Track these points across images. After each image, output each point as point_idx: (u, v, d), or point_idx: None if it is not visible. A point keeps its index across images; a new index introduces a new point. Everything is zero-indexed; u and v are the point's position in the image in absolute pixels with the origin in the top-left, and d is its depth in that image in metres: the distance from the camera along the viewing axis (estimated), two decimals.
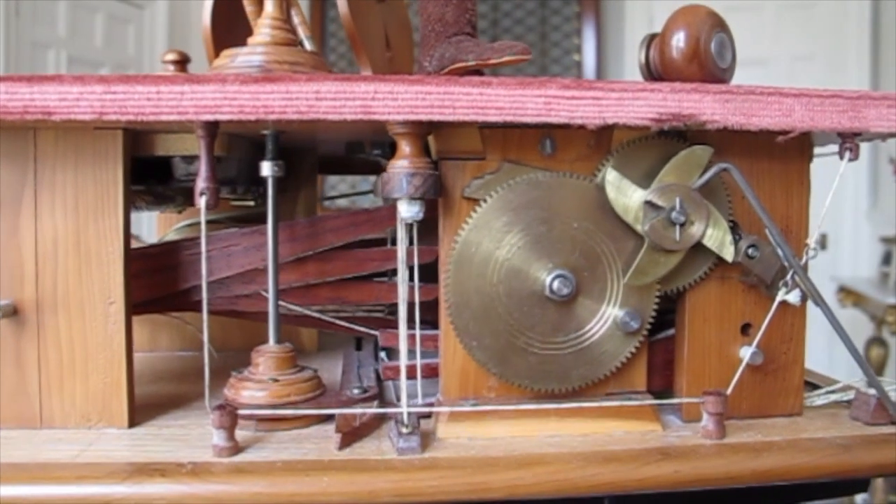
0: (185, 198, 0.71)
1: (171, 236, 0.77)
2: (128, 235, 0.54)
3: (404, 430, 0.50)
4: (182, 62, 0.74)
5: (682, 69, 0.55)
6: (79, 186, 0.53)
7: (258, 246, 0.60)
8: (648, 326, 0.54)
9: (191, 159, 0.59)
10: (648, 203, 0.51)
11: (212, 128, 0.50)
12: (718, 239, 0.53)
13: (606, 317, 0.53)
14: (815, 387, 0.62)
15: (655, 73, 0.58)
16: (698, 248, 0.53)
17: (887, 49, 2.16)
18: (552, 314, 0.52)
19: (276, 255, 0.56)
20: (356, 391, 0.59)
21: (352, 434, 0.53)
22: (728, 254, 0.53)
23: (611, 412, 0.54)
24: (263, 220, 0.78)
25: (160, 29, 2.64)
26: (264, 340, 0.59)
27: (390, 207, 0.60)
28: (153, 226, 0.87)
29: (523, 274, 0.52)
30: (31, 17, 2.29)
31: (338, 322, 0.64)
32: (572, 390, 0.53)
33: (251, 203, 0.77)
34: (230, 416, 0.49)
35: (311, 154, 0.74)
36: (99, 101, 0.46)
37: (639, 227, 0.52)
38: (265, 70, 0.52)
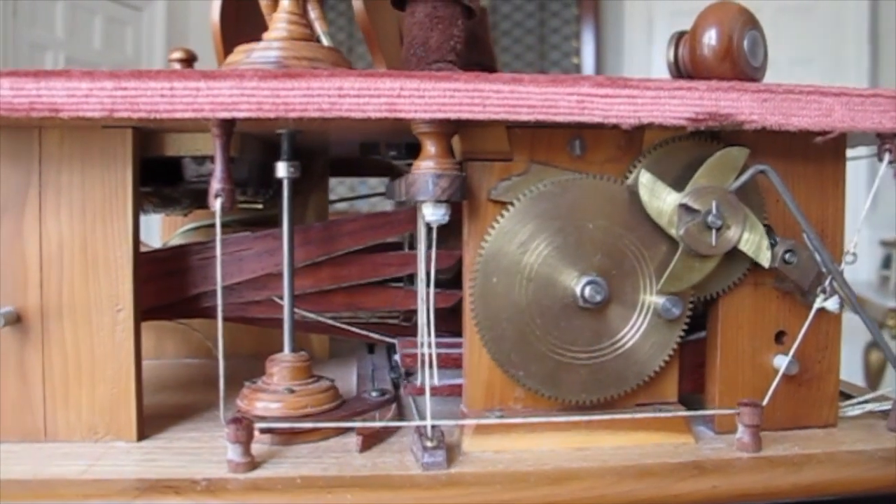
0: (191, 200, 0.69)
1: (177, 240, 0.74)
2: (137, 239, 0.51)
3: (429, 445, 0.47)
4: (189, 60, 0.71)
5: (714, 68, 0.52)
6: (86, 188, 0.50)
7: (271, 250, 0.57)
8: (681, 334, 0.51)
9: (202, 160, 0.56)
10: (683, 206, 0.49)
11: (228, 126, 0.47)
12: (755, 244, 0.50)
13: (640, 323, 0.50)
14: (846, 396, 0.60)
15: (684, 71, 0.56)
16: (733, 253, 0.50)
17: (886, 53, 2.15)
18: (584, 322, 0.49)
19: (291, 259, 0.53)
20: (374, 394, 0.56)
21: (373, 437, 0.50)
22: (765, 259, 0.50)
23: (641, 424, 0.51)
24: (272, 224, 0.76)
25: (158, 31, 2.61)
26: (273, 347, 0.56)
27: (409, 210, 0.58)
28: (153, 229, 0.84)
29: (553, 280, 0.49)
30: (29, 19, 2.26)
31: (353, 329, 0.61)
32: (603, 401, 0.51)
33: (259, 206, 0.74)
34: (247, 429, 0.46)
35: (323, 156, 0.72)
36: (109, 97, 0.44)
37: (673, 232, 0.49)
38: (282, 66, 0.49)
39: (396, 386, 0.62)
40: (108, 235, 0.50)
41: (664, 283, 0.50)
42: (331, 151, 0.72)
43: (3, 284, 0.50)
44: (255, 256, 0.57)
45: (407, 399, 0.60)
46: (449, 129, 0.47)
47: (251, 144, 0.58)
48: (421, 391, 0.55)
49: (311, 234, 0.58)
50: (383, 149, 0.62)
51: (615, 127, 0.48)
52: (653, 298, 0.50)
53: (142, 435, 0.51)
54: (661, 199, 0.49)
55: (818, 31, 2.19)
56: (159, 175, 0.58)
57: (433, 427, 0.48)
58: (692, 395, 0.55)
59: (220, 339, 0.47)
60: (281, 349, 0.55)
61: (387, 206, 0.73)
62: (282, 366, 0.53)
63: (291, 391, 0.51)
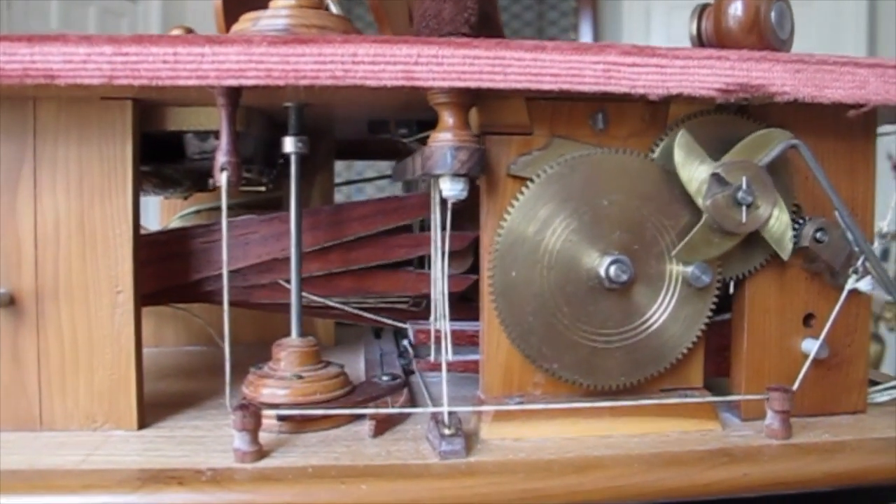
0: (192, 182, 0.66)
1: (176, 224, 0.71)
2: (137, 217, 0.48)
3: (447, 432, 0.44)
4: None
5: (741, 40, 0.50)
6: (83, 163, 0.47)
7: (277, 235, 0.54)
8: (708, 316, 0.48)
9: (205, 135, 0.53)
10: (715, 176, 0.46)
11: (234, 95, 0.44)
12: (780, 229, 0.48)
13: (669, 296, 0.47)
14: (872, 382, 0.57)
15: (708, 45, 0.53)
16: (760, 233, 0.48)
17: (884, 48, 2.13)
18: (612, 303, 0.47)
19: (299, 241, 0.50)
20: (385, 378, 0.54)
21: (385, 422, 0.48)
22: (786, 248, 0.48)
23: (666, 410, 0.48)
24: (276, 207, 0.73)
25: (154, 23, 2.56)
26: (277, 333, 0.53)
27: (422, 195, 0.55)
28: (151, 212, 0.81)
29: (575, 263, 0.46)
30: (23, 10, 2.21)
31: (362, 314, 0.58)
32: (628, 385, 0.48)
33: (262, 189, 0.71)
34: (254, 417, 0.43)
35: (328, 137, 0.69)
36: (108, 63, 0.41)
37: (700, 201, 0.46)
38: (291, 34, 0.46)
39: (406, 371, 0.60)
40: (106, 213, 0.47)
41: (680, 250, 0.47)
42: (336, 132, 0.69)
43: None
44: (261, 240, 0.54)
45: (418, 383, 0.58)
46: (467, 99, 0.44)
47: (256, 119, 0.55)
48: (434, 367, 0.52)
49: (319, 219, 0.55)
50: (393, 127, 0.59)
51: (641, 99, 0.45)
52: (680, 268, 0.47)
53: (142, 423, 0.48)
54: (694, 165, 0.46)
55: (816, 26, 2.17)
56: (160, 152, 0.54)
57: (450, 414, 0.45)
58: (714, 380, 0.53)
59: (226, 324, 0.44)
60: (285, 335, 0.52)
61: (394, 189, 0.70)
62: (289, 351, 0.50)
63: (300, 377, 0.48)
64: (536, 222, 0.46)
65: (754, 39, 0.50)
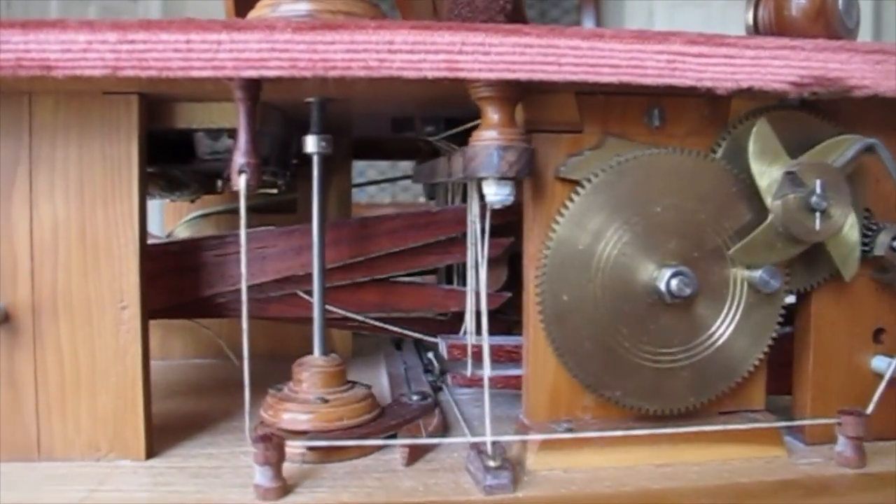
0: (200, 184, 0.60)
1: (182, 230, 0.66)
2: (144, 225, 0.43)
3: (491, 464, 0.39)
4: None
5: (806, 29, 0.45)
6: (84, 164, 0.42)
7: (297, 249, 0.49)
8: (777, 325, 0.43)
9: (217, 134, 0.48)
10: (789, 176, 0.41)
11: (254, 89, 0.39)
12: (851, 242, 0.43)
13: (735, 304, 0.42)
14: None
15: (767, 35, 0.48)
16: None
17: (888, 21, 2.09)
18: (674, 318, 0.41)
19: (322, 251, 0.45)
20: (415, 398, 0.48)
21: (419, 448, 0.43)
22: (851, 267, 0.43)
23: (727, 435, 0.43)
24: (288, 210, 0.68)
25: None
26: (290, 345, 0.49)
27: (457, 209, 0.50)
28: (155, 216, 0.76)
29: (631, 274, 0.41)
30: (23, 8, 2.15)
31: (387, 326, 0.53)
32: (698, 406, 0.43)
33: (274, 191, 0.66)
34: (277, 449, 0.38)
35: (345, 135, 0.63)
36: (112, 52, 0.35)
37: (769, 200, 0.41)
38: (316, 20, 0.41)
39: (435, 387, 0.55)
40: (110, 220, 0.42)
41: (738, 249, 0.42)
42: (355, 130, 0.64)
43: None
44: (280, 255, 0.49)
45: (448, 401, 0.53)
46: (515, 93, 0.39)
47: (272, 116, 0.49)
48: (470, 382, 0.47)
49: (343, 232, 0.50)
50: (418, 125, 0.54)
51: (704, 93, 0.40)
52: (746, 274, 0.42)
53: (151, 452, 0.43)
54: (768, 160, 0.41)
55: None
56: (167, 152, 0.49)
57: (494, 443, 0.40)
58: (770, 398, 0.48)
59: (244, 346, 0.39)
60: (300, 347, 0.47)
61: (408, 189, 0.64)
62: (312, 371, 0.44)
63: (325, 400, 0.43)
64: (588, 234, 0.41)
65: (820, 29, 0.45)
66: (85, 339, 0.42)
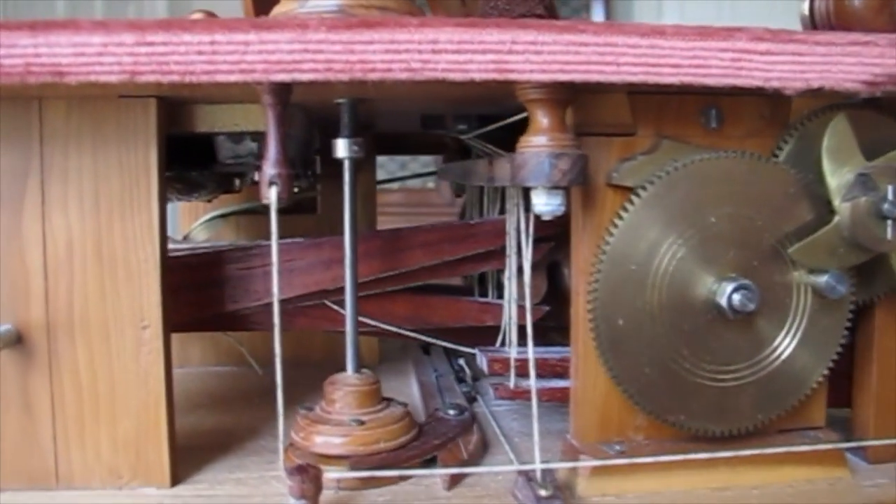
0: (217, 184, 0.57)
1: (199, 232, 0.62)
2: (164, 237, 0.40)
3: (543, 493, 0.36)
4: None
5: (868, 22, 0.41)
6: (99, 174, 0.38)
7: (327, 262, 0.45)
8: (845, 332, 0.40)
9: (238, 137, 0.44)
10: (862, 178, 0.37)
11: (284, 93, 0.35)
12: None
13: (800, 312, 0.39)
14: None
15: (822, 29, 0.44)
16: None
17: None
18: (737, 333, 0.38)
19: (354, 261, 0.42)
20: (452, 412, 0.45)
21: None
22: None
23: (787, 456, 0.40)
24: (308, 210, 0.64)
25: (161, 16, 2.44)
26: (312, 352, 0.46)
27: (496, 222, 0.47)
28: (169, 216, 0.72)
29: (689, 290, 0.38)
30: (27, 7, 2.10)
31: (419, 336, 0.50)
32: (750, 429, 0.40)
33: (294, 190, 0.62)
34: (314, 482, 0.35)
35: (368, 131, 0.60)
36: (130, 55, 0.32)
37: (836, 201, 0.38)
38: (347, 16, 0.37)
39: (469, 398, 0.52)
40: (128, 233, 0.39)
41: (798, 248, 0.38)
42: (379, 126, 0.60)
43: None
44: (308, 268, 0.45)
45: (484, 414, 0.50)
46: (567, 94, 0.35)
47: (296, 115, 0.46)
48: (514, 395, 0.44)
49: (375, 244, 0.46)
50: (450, 122, 0.50)
51: (762, 92, 0.36)
52: (810, 279, 0.39)
53: (176, 479, 0.40)
54: (842, 160, 0.38)
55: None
56: (185, 156, 0.46)
57: (544, 470, 0.37)
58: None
59: (278, 370, 0.36)
60: (323, 354, 0.44)
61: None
62: (346, 390, 0.41)
63: (360, 422, 0.40)
64: (643, 247, 0.37)
65: (884, 21, 0.41)
66: (104, 362, 0.39)
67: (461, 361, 0.57)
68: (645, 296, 0.37)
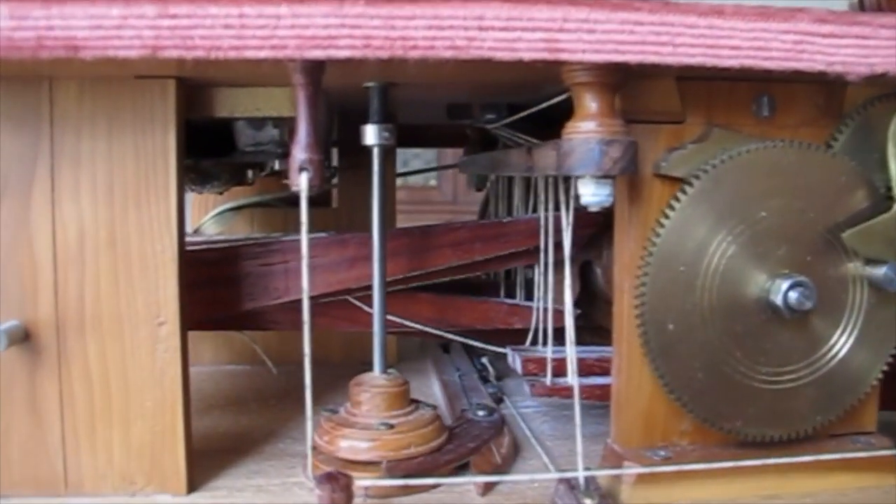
0: (230, 175, 0.54)
1: (210, 225, 0.59)
2: (182, 228, 0.37)
3: (588, 503, 0.33)
4: None
5: None
6: (113, 159, 0.36)
7: (351, 260, 0.43)
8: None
9: (260, 123, 0.42)
10: None
11: (317, 72, 0.32)
12: None
13: (855, 317, 0.37)
14: None
15: (871, 11, 0.42)
16: None
17: None
18: (787, 333, 0.36)
19: (382, 256, 0.39)
20: (480, 413, 0.43)
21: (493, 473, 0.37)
22: None
23: (837, 461, 0.38)
24: (322, 203, 0.61)
25: None
26: (330, 350, 0.43)
27: (530, 221, 0.44)
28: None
29: (740, 289, 0.35)
30: None
31: (445, 334, 0.47)
32: (809, 432, 0.37)
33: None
34: (345, 491, 0.32)
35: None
36: (151, 28, 0.29)
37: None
38: None
39: (496, 398, 0.49)
40: (144, 223, 0.36)
41: (853, 234, 0.36)
42: (399, 116, 0.58)
43: (4, 291, 0.35)
44: (331, 266, 0.43)
45: (512, 415, 0.47)
46: (618, 78, 0.33)
47: (322, 100, 0.43)
48: (551, 392, 0.42)
49: (402, 243, 0.44)
50: (477, 112, 0.48)
51: (818, 79, 0.33)
52: (868, 271, 0.36)
53: (192, 485, 0.37)
54: None
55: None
56: (202, 143, 0.43)
57: (586, 479, 0.34)
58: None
59: (307, 372, 0.33)
60: (341, 353, 0.41)
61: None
62: (373, 392, 0.39)
63: (390, 426, 0.37)
64: (693, 244, 0.35)
65: None
66: (117, 360, 0.36)
67: (483, 360, 0.55)
68: (695, 296, 0.35)
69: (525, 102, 0.46)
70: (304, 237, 0.32)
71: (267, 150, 0.42)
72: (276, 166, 0.47)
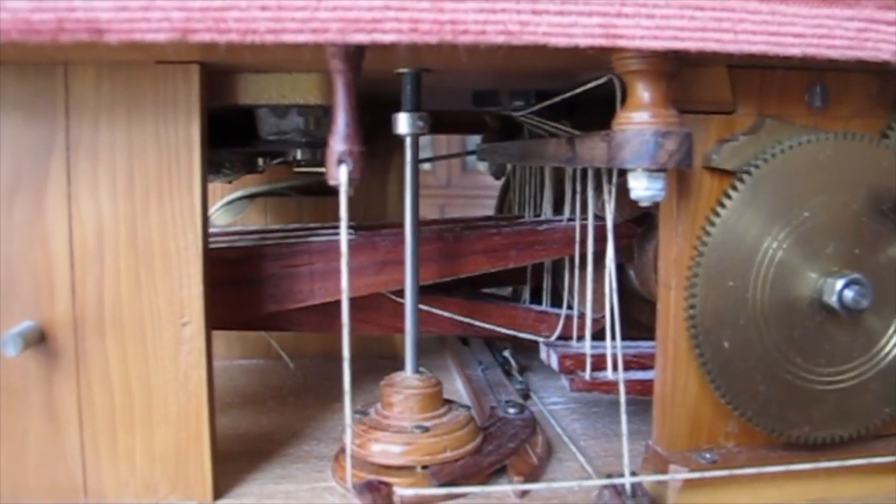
0: (241, 164, 0.52)
1: (220, 215, 0.57)
2: (206, 223, 0.35)
3: None
4: None
5: None
6: (134, 150, 0.33)
7: (380, 264, 0.41)
8: None
9: (283, 111, 0.39)
10: None
11: (357, 58, 0.30)
12: None
13: None
14: None
15: None
16: None
17: None
18: (845, 332, 0.34)
19: (415, 253, 0.37)
20: (511, 411, 0.41)
21: (532, 475, 0.36)
22: None
23: (884, 465, 0.36)
24: (332, 191, 0.59)
25: None
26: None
27: (566, 228, 0.42)
28: None
29: (794, 290, 0.34)
30: None
31: (477, 322, 0.45)
32: (878, 425, 0.36)
33: (323, 170, 0.57)
34: (385, 500, 0.30)
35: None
36: (181, 10, 0.26)
37: None
38: None
39: (523, 394, 0.47)
40: (166, 218, 0.34)
41: None
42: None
43: (18, 291, 0.33)
44: (359, 270, 0.41)
45: (541, 412, 0.45)
46: (673, 66, 0.31)
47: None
48: (591, 386, 0.40)
49: (434, 248, 0.42)
50: (505, 99, 0.45)
51: (870, 68, 0.32)
52: None
53: (218, 492, 0.35)
54: None
55: None
56: (219, 132, 0.40)
57: (633, 485, 0.33)
58: None
59: (346, 377, 0.31)
60: (356, 348, 0.39)
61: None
62: (406, 394, 0.37)
63: (425, 429, 0.35)
64: (745, 245, 0.33)
65: None
66: (138, 362, 0.34)
67: (506, 353, 0.53)
68: (747, 309, 0.33)
69: (555, 89, 0.44)
70: (343, 235, 0.30)
71: (290, 139, 0.40)
72: (299, 156, 0.44)
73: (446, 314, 0.44)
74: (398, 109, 0.49)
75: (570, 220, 0.43)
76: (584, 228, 0.41)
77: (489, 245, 0.42)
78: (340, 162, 0.30)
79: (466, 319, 0.44)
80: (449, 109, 0.58)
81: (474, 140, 0.70)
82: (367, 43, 0.27)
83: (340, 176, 0.30)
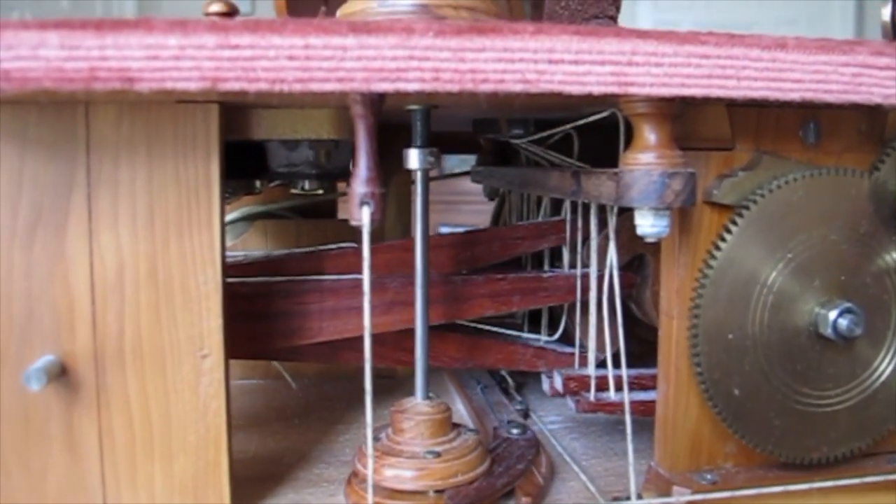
0: (238, 185, 0.53)
1: None
2: (224, 258, 0.36)
3: None
4: (231, 14, 0.54)
5: None
6: (154, 187, 0.34)
7: (388, 305, 0.42)
8: None
9: (294, 144, 0.41)
10: None
11: (378, 103, 0.32)
12: None
13: (894, 349, 0.38)
14: None
15: None
16: None
17: (872, 14, 2.07)
18: (843, 357, 0.36)
19: (426, 280, 0.38)
20: (515, 431, 0.43)
21: (539, 496, 0.38)
22: None
23: (880, 483, 0.39)
24: (328, 214, 0.60)
25: (129, 15, 2.30)
26: (346, 365, 0.42)
27: (570, 276, 0.45)
28: None
29: (792, 320, 0.36)
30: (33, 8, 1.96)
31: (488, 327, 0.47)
32: (847, 455, 0.38)
33: (320, 192, 0.58)
34: None
35: (405, 130, 0.56)
36: (211, 59, 0.28)
37: None
38: (434, 16, 0.33)
39: (523, 414, 0.49)
40: (186, 253, 0.35)
41: None
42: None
43: (40, 325, 0.34)
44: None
45: (542, 432, 0.47)
46: (677, 109, 0.33)
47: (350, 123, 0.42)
48: (596, 407, 0.42)
49: (439, 291, 0.43)
50: (504, 126, 0.47)
51: (861, 106, 0.34)
52: None
53: None
54: None
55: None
56: (231, 162, 0.41)
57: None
58: None
59: (368, 409, 0.32)
60: (354, 367, 0.41)
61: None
62: (417, 420, 0.38)
63: (437, 454, 0.37)
64: (743, 278, 0.35)
65: None
66: (158, 394, 0.35)
67: (502, 371, 0.54)
68: (745, 343, 0.35)
69: (554, 118, 0.46)
70: (366, 274, 0.32)
71: (300, 171, 0.41)
72: (308, 185, 0.45)
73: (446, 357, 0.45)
74: (397, 131, 0.50)
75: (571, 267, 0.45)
76: (585, 276, 0.43)
77: (494, 289, 0.43)
78: (363, 204, 0.31)
79: (465, 357, 0.45)
80: (444, 131, 0.60)
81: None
82: (391, 91, 0.29)
83: (363, 217, 0.31)
